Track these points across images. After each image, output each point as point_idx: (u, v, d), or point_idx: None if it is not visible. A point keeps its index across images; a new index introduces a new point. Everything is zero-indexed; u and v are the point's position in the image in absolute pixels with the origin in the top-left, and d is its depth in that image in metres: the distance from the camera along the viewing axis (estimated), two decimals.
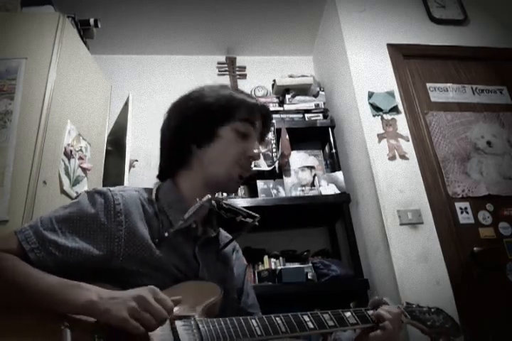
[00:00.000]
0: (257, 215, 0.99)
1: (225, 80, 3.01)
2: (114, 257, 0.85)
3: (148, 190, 1.00)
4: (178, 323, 0.77)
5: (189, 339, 0.74)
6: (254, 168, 2.36)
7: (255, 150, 1.01)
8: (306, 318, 0.85)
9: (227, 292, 0.97)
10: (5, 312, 0.73)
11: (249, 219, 0.99)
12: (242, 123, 1.00)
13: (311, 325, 0.84)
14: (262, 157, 2.39)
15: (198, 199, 0.94)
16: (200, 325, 0.77)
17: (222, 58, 3.10)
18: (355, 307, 0.96)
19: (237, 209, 0.99)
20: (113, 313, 0.71)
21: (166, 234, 0.91)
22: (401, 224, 2.02)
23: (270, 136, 2.45)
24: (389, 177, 2.14)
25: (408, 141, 2.24)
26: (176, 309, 0.78)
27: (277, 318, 0.83)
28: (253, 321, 0.81)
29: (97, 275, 0.84)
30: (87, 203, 0.89)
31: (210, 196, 0.95)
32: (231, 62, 3.08)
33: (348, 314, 0.91)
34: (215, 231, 1.04)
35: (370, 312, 0.94)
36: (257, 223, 0.99)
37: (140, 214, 0.92)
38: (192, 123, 1.00)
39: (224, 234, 1.10)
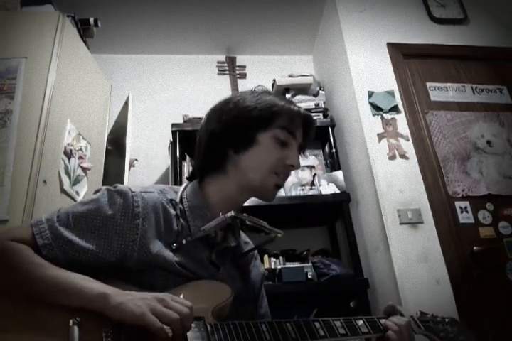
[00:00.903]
0: (280, 231, 0.97)
1: (225, 80, 3.02)
2: (126, 259, 0.84)
3: (174, 190, 0.99)
4: None
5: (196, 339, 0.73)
6: None
7: (295, 159, 0.97)
8: (317, 325, 0.84)
9: (242, 301, 0.94)
10: (14, 306, 0.73)
11: (272, 234, 0.97)
12: (282, 130, 0.97)
13: (321, 333, 0.83)
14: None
15: (220, 214, 0.92)
16: (209, 328, 0.76)
17: (222, 58, 3.10)
18: (356, 306, 0.96)
19: (261, 226, 0.96)
20: (131, 307, 0.70)
21: (184, 242, 0.89)
22: (401, 224, 2.02)
23: None
24: (389, 177, 2.14)
25: (408, 140, 2.24)
26: None
27: (288, 324, 0.82)
28: (263, 326, 0.80)
29: (108, 273, 0.83)
30: (106, 202, 0.87)
31: (233, 213, 0.92)
32: (231, 61, 3.08)
33: (360, 322, 0.89)
34: (235, 240, 1.00)
35: (383, 321, 0.92)
36: (279, 235, 0.97)
37: (159, 218, 0.89)
38: (231, 128, 0.97)
39: (243, 240, 1.08)
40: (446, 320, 1.03)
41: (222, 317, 0.82)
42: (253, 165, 0.96)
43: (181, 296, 0.79)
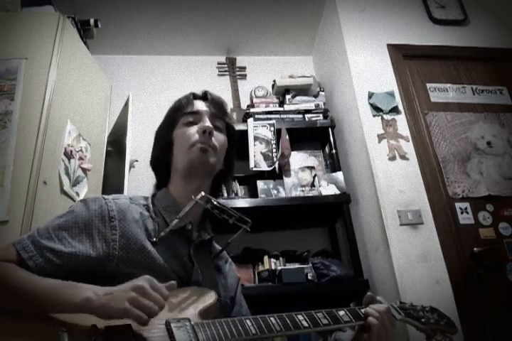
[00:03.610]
0: (248, 220, 1.02)
1: (225, 81, 3.02)
2: (109, 260, 0.87)
3: (144, 198, 1.05)
4: (174, 325, 0.77)
5: (185, 339, 0.75)
6: (255, 169, 2.37)
7: (204, 124, 1.05)
8: (300, 317, 0.86)
9: (220, 296, 0.99)
10: (2, 317, 0.73)
11: (241, 224, 1.02)
12: (186, 116, 1.09)
13: (305, 324, 0.85)
14: (262, 157, 2.39)
15: (192, 197, 0.97)
16: (196, 327, 0.78)
17: (223, 58, 3.10)
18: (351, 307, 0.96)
19: (229, 210, 1.01)
20: (112, 306, 0.72)
21: (163, 234, 0.94)
22: (401, 225, 2.02)
23: (270, 136, 2.46)
24: (389, 177, 2.14)
25: (408, 141, 2.24)
26: (171, 313, 0.79)
27: (272, 318, 0.84)
28: (247, 321, 0.82)
29: (93, 281, 0.84)
30: (82, 210, 0.92)
31: (203, 193, 0.98)
32: (231, 62, 3.08)
33: (341, 312, 0.92)
34: (208, 234, 1.06)
35: (363, 310, 0.94)
36: (248, 229, 1.02)
37: (134, 218, 0.95)
38: (157, 143, 1.13)
39: (217, 247, 1.14)
40: (426, 308, 1.06)
41: (208, 319, 0.84)
42: (178, 154, 1.06)
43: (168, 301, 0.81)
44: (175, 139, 1.08)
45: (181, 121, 1.09)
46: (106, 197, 0.96)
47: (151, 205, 1.02)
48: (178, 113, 1.10)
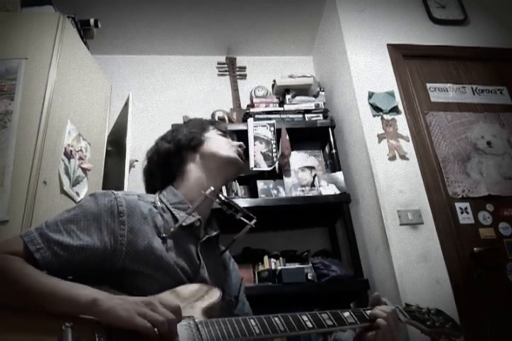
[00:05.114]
0: (254, 217, 1.04)
1: (225, 80, 3.02)
2: (116, 255, 0.87)
3: (150, 196, 1.06)
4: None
5: (188, 338, 0.74)
6: (255, 168, 2.37)
7: (239, 142, 1.20)
8: (305, 318, 0.86)
9: (224, 293, 1.00)
10: (6, 312, 0.73)
11: (247, 220, 1.03)
12: (218, 130, 1.21)
13: (309, 325, 0.85)
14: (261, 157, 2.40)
15: (202, 192, 1.00)
16: (200, 325, 0.78)
17: (222, 58, 3.10)
18: (355, 308, 0.96)
19: (236, 205, 1.04)
20: (120, 313, 0.71)
21: (172, 229, 0.95)
22: (401, 225, 2.02)
23: (270, 136, 2.46)
24: (389, 177, 2.14)
25: (408, 141, 2.24)
26: None
27: (276, 318, 0.84)
28: (251, 321, 0.81)
29: (101, 278, 0.84)
30: (91, 204, 0.92)
31: (213, 188, 1.00)
32: (231, 62, 3.08)
33: (346, 314, 0.91)
34: (215, 231, 1.08)
35: (369, 311, 0.94)
36: (253, 225, 1.04)
37: (144, 214, 0.95)
38: (185, 135, 1.17)
39: (221, 247, 1.16)
40: (432, 310, 1.05)
41: (212, 316, 0.84)
42: (215, 147, 1.14)
43: (171, 298, 0.82)
44: (208, 139, 1.16)
45: (215, 131, 1.20)
46: (115, 192, 0.97)
47: (158, 202, 1.03)
48: (211, 124, 1.23)
